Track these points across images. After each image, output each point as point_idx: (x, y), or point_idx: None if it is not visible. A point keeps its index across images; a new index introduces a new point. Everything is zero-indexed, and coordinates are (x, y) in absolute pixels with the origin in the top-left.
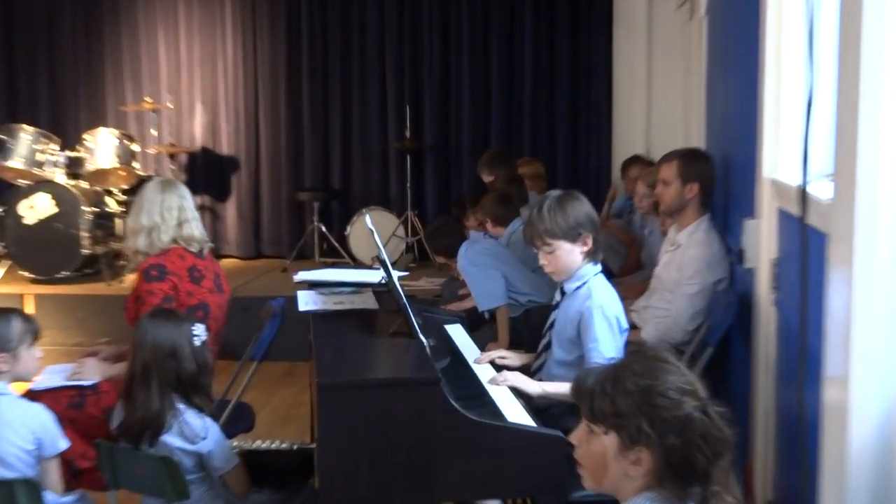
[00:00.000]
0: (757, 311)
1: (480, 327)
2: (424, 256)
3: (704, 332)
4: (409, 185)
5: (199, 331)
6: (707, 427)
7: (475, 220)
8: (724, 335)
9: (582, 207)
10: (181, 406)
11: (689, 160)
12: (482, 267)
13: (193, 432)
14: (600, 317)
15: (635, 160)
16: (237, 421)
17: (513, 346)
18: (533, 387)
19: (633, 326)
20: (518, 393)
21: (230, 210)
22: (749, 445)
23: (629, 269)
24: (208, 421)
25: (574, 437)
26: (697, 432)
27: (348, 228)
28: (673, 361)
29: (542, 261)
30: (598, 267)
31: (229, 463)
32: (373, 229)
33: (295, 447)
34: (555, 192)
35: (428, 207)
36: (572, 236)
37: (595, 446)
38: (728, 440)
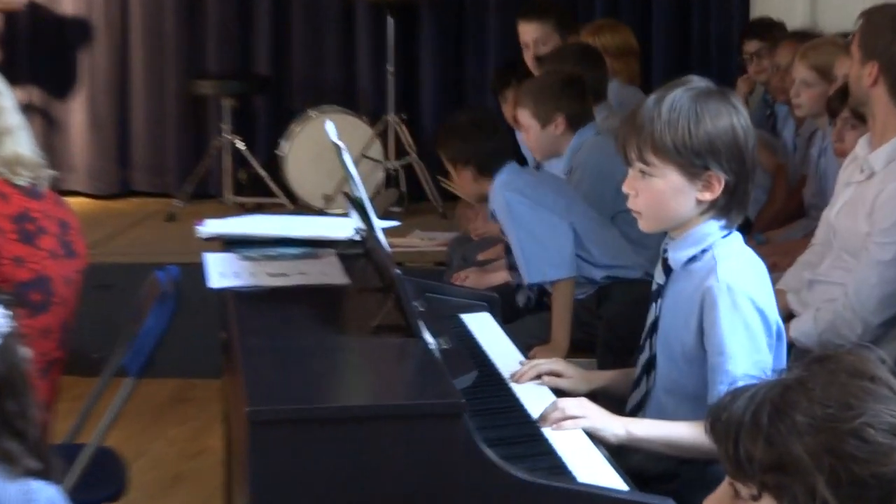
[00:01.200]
0: None
1: (520, 317)
2: (417, 195)
3: None
4: (390, 68)
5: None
6: None
7: (510, 110)
8: None
9: (730, 121)
10: None
11: (876, 23)
12: (537, 209)
13: None
14: (729, 307)
15: (768, 29)
16: (97, 480)
17: (577, 350)
18: (613, 427)
19: (790, 317)
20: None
21: (76, 114)
22: None
23: (774, 217)
24: (27, 486)
25: None
26: None
27: (284, 146)
28: (884, 378)
29: (627, 188)
30: (729, 232)
31: None
32: (340, 145)
33: None
34: (697, 81)
35: (424, 107)
36: (692, 167)
37: None
38: None
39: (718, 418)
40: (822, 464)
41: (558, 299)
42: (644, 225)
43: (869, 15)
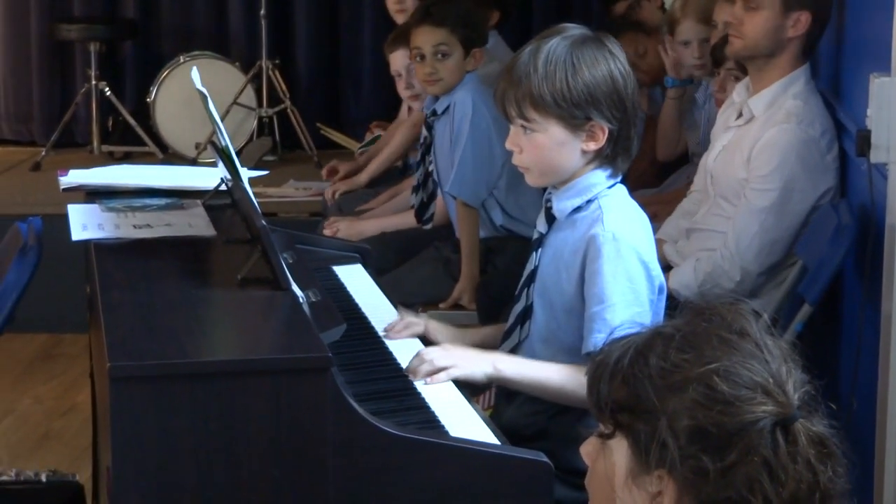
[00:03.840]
0: (894, 245)
1: (396, 267)
2: (292, 143)
3: (793, 278)
4: (262, 11)
5: None
6: (781, 456)
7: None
8: (828, 285)
9: (608, 67)
10: None
11: None
12: (491, 129)
13: None
14: (613, 256)
15: None
16: None
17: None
18: (482, 365)
19: (668, 268)
20: (464, 386)
21: None
22: (872, 483)
23: (648, 169)
24: None
25: (584, 450)
26: (759, 458)
27: (153, 92)
28: (752, 333)
29: (511, 145)
30: (616, 181)
31: None
32: (204, 92)
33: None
34: (573, 29)
35: (298, 52)
36: (573, 118)
37: (602, 464)
38: (824, 486)
39: (594, 361)
40: (666, 406)
41: (464, 229)
42: (531, 179)
43: None
